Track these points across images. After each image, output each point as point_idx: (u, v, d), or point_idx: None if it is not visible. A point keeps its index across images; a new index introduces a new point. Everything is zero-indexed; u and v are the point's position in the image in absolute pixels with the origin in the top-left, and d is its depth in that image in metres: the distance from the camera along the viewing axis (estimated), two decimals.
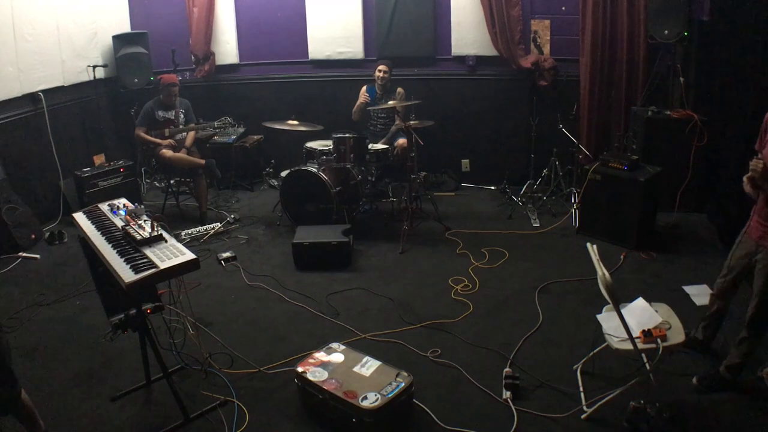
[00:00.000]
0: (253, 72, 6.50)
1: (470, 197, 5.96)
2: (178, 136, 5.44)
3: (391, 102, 5.26)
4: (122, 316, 2.72)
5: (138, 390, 3.04)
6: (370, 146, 5.16)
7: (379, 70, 5.51)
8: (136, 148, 6.20)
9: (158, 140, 5.32)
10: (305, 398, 2.90)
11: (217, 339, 3.45)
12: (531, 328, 3.54)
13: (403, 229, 4.84)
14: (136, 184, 5.83)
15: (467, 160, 6.28)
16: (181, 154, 5.33)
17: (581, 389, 2.96)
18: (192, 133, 5.54)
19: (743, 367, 2.88)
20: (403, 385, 2.76)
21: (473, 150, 6.21)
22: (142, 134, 5.36)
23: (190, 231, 5.04)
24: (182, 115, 5.49)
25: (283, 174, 5.20)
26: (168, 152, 5.28)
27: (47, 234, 5.05)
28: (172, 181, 5.61)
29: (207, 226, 5.14)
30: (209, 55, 6.36)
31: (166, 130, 5.37)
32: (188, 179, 5.62)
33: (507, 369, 3.08)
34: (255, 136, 6.41)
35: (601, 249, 2.81)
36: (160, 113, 5.40)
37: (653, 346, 2.63)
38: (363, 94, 5.63)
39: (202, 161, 5.35)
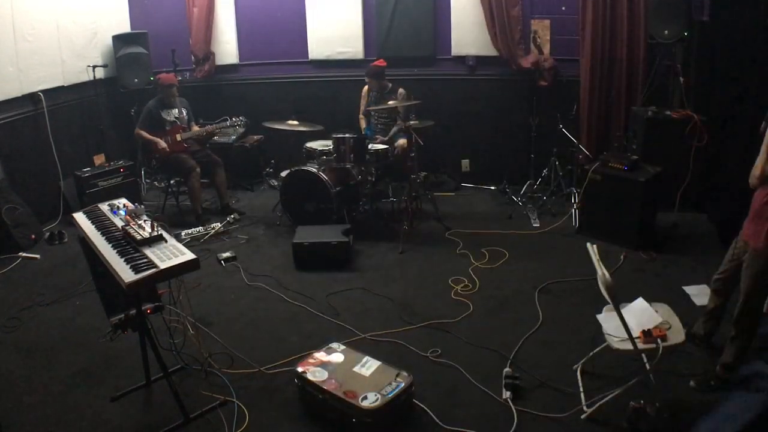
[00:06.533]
0: (253, 72, 6.50)
1: (470, 197, 5.96)
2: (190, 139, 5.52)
3: (391, 102, 5.26)
4: (122, 316, 2.72)
5: (138, 390, 3.04)
6: (370, 146, 5.16)
7: (366, 81, 5.53)
8: (136, 148, 6.20)
9: (156, 138, 5.31)
10: (305, 398, 2.90)
11: (217, 339, 3.45)
12: (531, 328, 3.54)
13: (403, 229, 4.84)
14: (136, 184, 5.82)
15: (467, 160, 6.28)
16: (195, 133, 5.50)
17: (581, 389, 2.96)
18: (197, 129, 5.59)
19: (738, 366, 2.88)
20: (403, 385, 2.76)
21: (473, 150, 6.21)
22: (143, 133, 5.35)
23: (190, 231, 5.04)
24: (184, 113, 5.50)
25: (283, 174, 5.20)
26: (174, 139, 5.37)
27: (47, 234, 5.05)
28: (172, 181, 5.61)
29: (207, 226, 5.14)
30: (209, 55, 6.37)
31: (178, 135, 5.37)
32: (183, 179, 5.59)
33: (507, 369, 3.08)
34: (255, 136, 6.41)
35: (601, 249, 2.81)
36: (164, 114, 5.39)
37: (653, 346, 2.63)
38: (364, 97, 5.64)
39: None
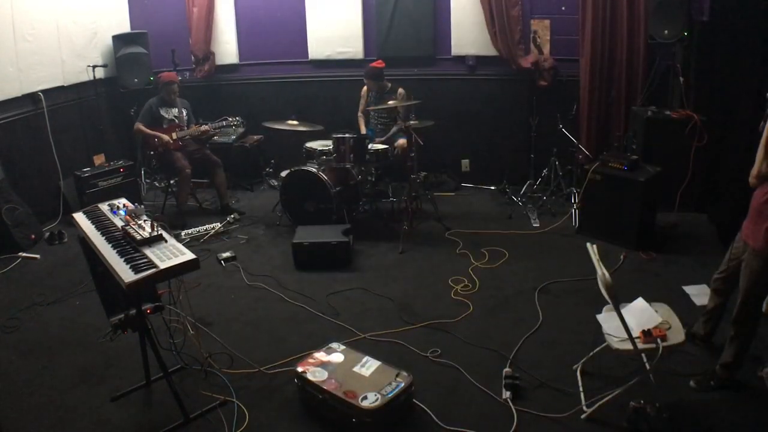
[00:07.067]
0: (253, 72, 6.50)
1: (470, 197, 5.96)
2: (186, 138, 5.47)
3: (391, 102, 5.26)
4: (122, 316, 2.72)
5: (138, 390, 3.04)
6: (370, 146, 5.17)
7: (367, 86, 5.54)
8: (136, 148, 6.20)
9: (158, 133, 5.31)
10: (305, 398, 2.90)
11: (217, 339, 3.45)
12: (531, 328, 3.54)
13: (403, 229, 4.84)
14: (136, 184, 5.82)
15: (467, 160, 6.28)
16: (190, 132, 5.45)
17: (581, 389, 2.96)
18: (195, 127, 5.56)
19: (738, 366, 2.89)
20: (402, 385, 2.76)
21: (473, 150, 6.21)
22: (142, 128, 5.35)
23: (190, 231, 5.04)
24: (184, 113, 5.49)
25: (283, 174, 5.20)
26: (170, 137, 5.34)
27: (47, 234, 5.05)
28: (171, 181, 5.61)
29: (193, 229, 5.09)
30: (209, 55, 6.37)
31: (173, 134, 5.36)
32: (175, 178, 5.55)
33: (507, 369, 3.08)
34: (255, 136, 6.41)
35: (601, 249, 2.81)
36: (163, 111, 5.40)
37: (653, 346, 2.63)
38: (363, 97, 5.65)
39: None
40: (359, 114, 5.73)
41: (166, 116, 5.40)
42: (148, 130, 5.33)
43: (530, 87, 5.74)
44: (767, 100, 2.60)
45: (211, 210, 5.71)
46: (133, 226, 2.75)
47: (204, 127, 5.50)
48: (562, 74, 5.70)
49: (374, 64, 5.49)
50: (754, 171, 2.65)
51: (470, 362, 3.23)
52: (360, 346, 3.22)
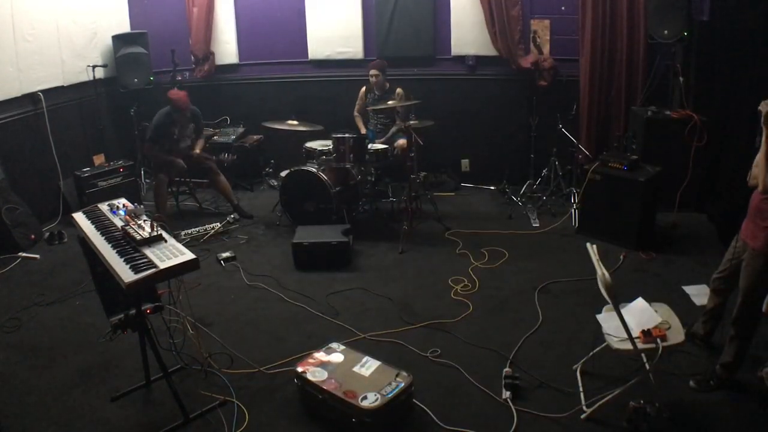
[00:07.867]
0: (253, 72, 6.50)
1: (470, 197, 5.96)
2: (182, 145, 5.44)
3: (390, 102, 5.26)
4: (122, 316, 2.72)
5: (138, 390, 3.04)
6: (369, 146, 5.17)
7: (371, 75, 5.47)
8: (136, 149, 6.20)
9: (174, 159, 5.25)
10: (305, 398, 2.91)
11: (217, 339, 3.45)
12: (531, 328, 3.54)
13: (403, 229, 4.84)
14: (135, 184, 5.82)
15: (467, 160, 6.28)
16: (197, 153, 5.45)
17: (581, 389, 2.96)
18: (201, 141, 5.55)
19: (738, 366, 2.89)
20: (402, 385, 2.76)
21: (473, 150, 6.21)
22: (156, 152, 5.27)
23: (189, 231, 5.04)
24: (191, 127, 5.43)
25: (283, 174, 5.20)
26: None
27: (47, 234, 5.05)
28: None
29: (193, 229, 5.07)
30: (209, 55, 6.36)
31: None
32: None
33: (507, 369, 3.08)
34: (255, 136, 6.41)
35: (601, 249, 2.81)
36: (172, 130, 5.31)
37: (653, 346, 2.63)
38: (361, 98, 5.65)
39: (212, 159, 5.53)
40: (355, 114, 5.72)
41: (174, 137, 5.33)
42: (164, 156, 5.25)
43: (530, 87, 5.74)
44: (761, 113, 2.59)
45: (211, 210, 5.71)
46: (133, 226, 2.75)
47: (196, 151, 5.44)
48: (562, 74, 5.70)
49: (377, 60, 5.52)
50: (760, 188, 2.63)
51: (470, 362, 3.23)
52: (360, 346, 3.22)
